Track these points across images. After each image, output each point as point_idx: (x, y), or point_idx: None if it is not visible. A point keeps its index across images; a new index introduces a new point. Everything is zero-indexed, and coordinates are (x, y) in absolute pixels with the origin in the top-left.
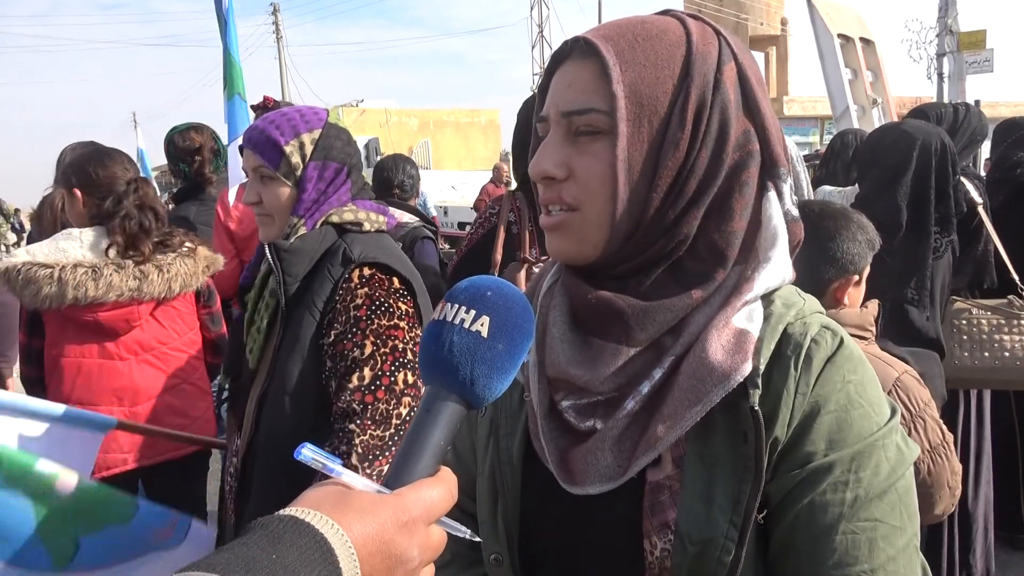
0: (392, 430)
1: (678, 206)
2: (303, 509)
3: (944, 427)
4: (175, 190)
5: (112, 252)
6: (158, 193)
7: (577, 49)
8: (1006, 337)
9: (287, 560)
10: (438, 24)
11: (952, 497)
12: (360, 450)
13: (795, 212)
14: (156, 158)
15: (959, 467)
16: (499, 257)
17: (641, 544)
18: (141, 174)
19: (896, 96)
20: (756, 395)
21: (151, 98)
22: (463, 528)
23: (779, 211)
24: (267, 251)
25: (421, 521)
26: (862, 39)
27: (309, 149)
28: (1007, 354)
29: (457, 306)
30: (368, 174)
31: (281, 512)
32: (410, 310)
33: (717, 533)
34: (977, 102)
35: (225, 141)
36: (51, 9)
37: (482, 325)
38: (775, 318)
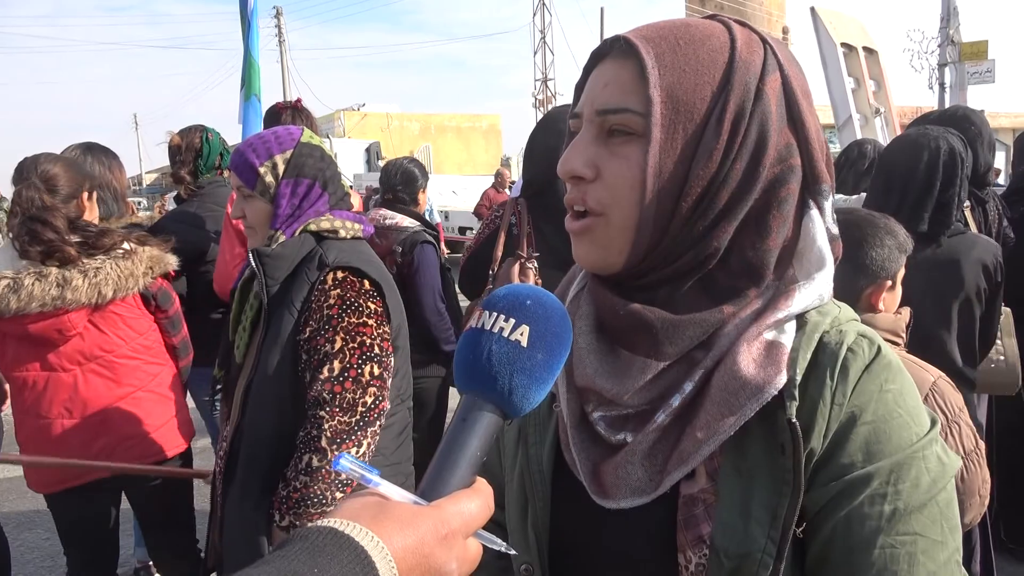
0: (357, 417)
1: (708, 217)
2: (342, 520)
3: (977, 434)
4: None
5: (25, 263)
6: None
7: (617, 48)
8: None
9: (329, 573)
10: (441, 29)
11: (982, 506)
12: (329, 434)
13: (835, 230)
14: (158, 160)
15: (988, 475)
16: (499, 254)
17: (675, 558)
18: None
19: (897, 106)
20: (793, 406)
21: (154, 100)
22: (499, 540)
23: (823, 230)
24: (250, 257)
25: (460, 534)
26: (865, 48)
27: (281, 169)
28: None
29: (496, 314)
30: (372, 177)
31: (320, 523)
32: (379, 309)
33: (754, 547)
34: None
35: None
36: (56, 10)
37: (522, 334)
38: (810, 326)
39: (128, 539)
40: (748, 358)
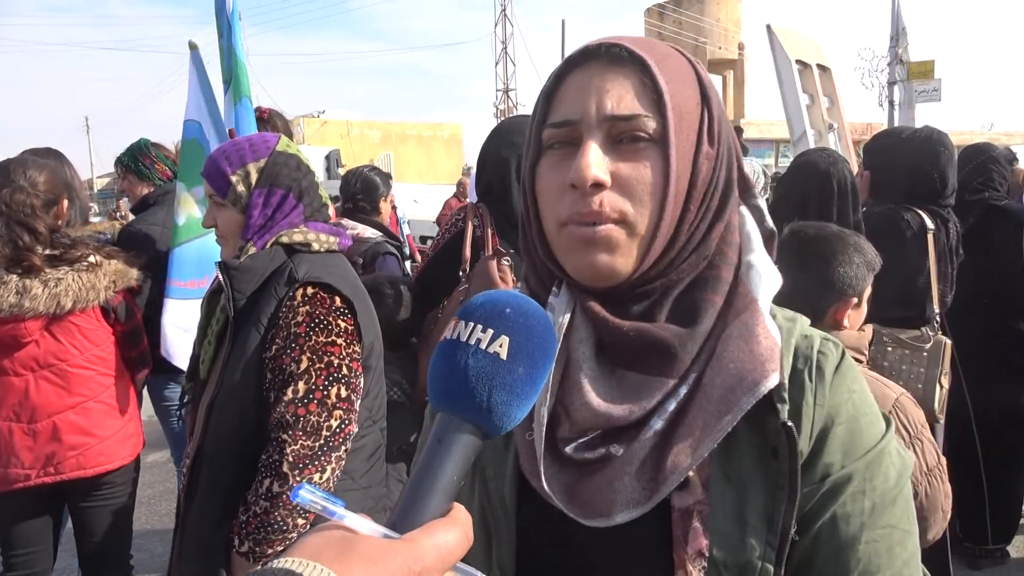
0: (322, 441)
1: (707, 220)
2: (300, 560)
3: (939, 449)
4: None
5: None
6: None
7: (609, 55)
8: (904, 367)
9: None
10: (400, 38)
11: (944, 520)
12: (291, 459)
13: (772, 227)
14: (110, 164)
15: (950, 489)
16: (468, 253)
17: (674, 574)
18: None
19: (848, 122)
20: (785, 409)
21: (105, 103)
22: (479, 573)
23: (752, 223)
24: (217, 269)
25: (435, 570)
26: (819, 66)
27: (254, 178)
28: (901, 383)
29: (472, 325)
30: (332, 185)
31: (276, 564)
32: (349, 327)
33: (753, 555)
34: None
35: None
36: None
37: (500, 346)
38: (785, 332)
39: (73, 559)
40: (742, 354)
